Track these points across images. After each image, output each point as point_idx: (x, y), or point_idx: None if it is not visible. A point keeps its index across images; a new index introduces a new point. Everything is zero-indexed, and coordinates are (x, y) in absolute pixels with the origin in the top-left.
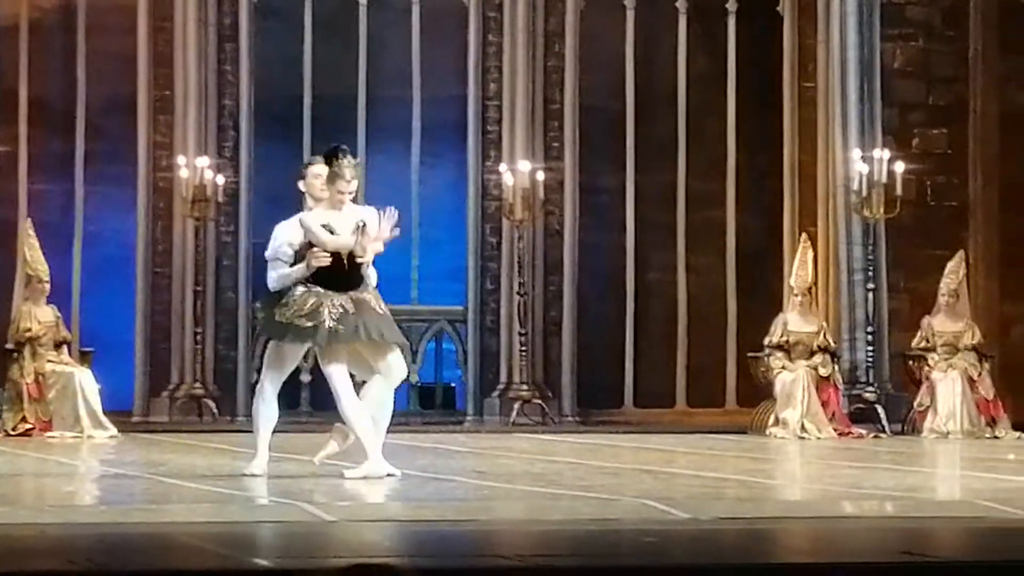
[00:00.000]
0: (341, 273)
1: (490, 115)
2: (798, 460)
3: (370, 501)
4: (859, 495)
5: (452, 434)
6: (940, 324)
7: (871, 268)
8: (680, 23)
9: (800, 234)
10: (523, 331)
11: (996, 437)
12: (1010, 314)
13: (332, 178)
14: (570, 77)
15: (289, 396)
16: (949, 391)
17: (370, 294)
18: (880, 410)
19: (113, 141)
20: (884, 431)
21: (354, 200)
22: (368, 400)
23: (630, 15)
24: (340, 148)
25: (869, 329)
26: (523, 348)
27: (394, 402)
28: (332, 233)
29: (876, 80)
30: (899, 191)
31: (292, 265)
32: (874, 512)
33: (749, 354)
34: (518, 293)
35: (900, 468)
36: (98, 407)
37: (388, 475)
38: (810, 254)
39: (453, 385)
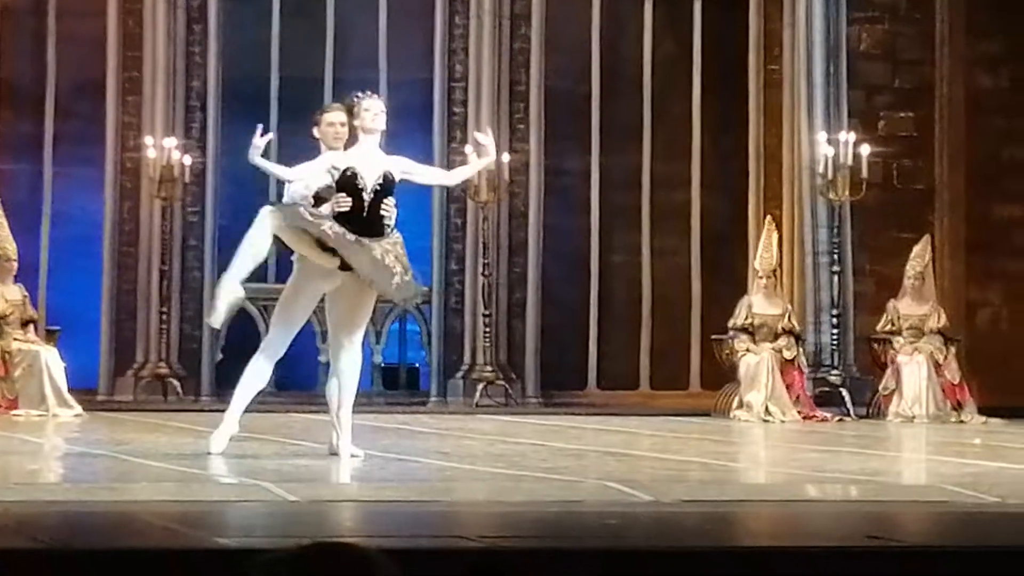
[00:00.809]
0: (359, 220)
1: (456, 97)
2: (762, 443)
3: (333, 481)
4: (823, 479)
5: (416, 415)
6: (906, 307)
7: (836, 251)
8: (646, 6)
9: (765, 216)
10: (487, 312)
11: (962, 421)
12: (976, 298)
13: (358, 115)
14: (536, 60)
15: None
16: (915, 375)
17: (380, 245)
18: (845, 393)
19: (82, 122)
20: (849, 414)
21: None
22: (345, 383)
23: None
24: (358, 91)
25: (834, 312)
26: (487, 329)
27: (358, 382)
28: (357, 179)
29: (842, 63)
30: (865, 174)
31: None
32: (838, 496)
33: (713, 336)
34: (482, 274)
35: (865, 452)
36: (63, 385)
37: (352, 456)
38: (775, 236)
39: (417, 366)
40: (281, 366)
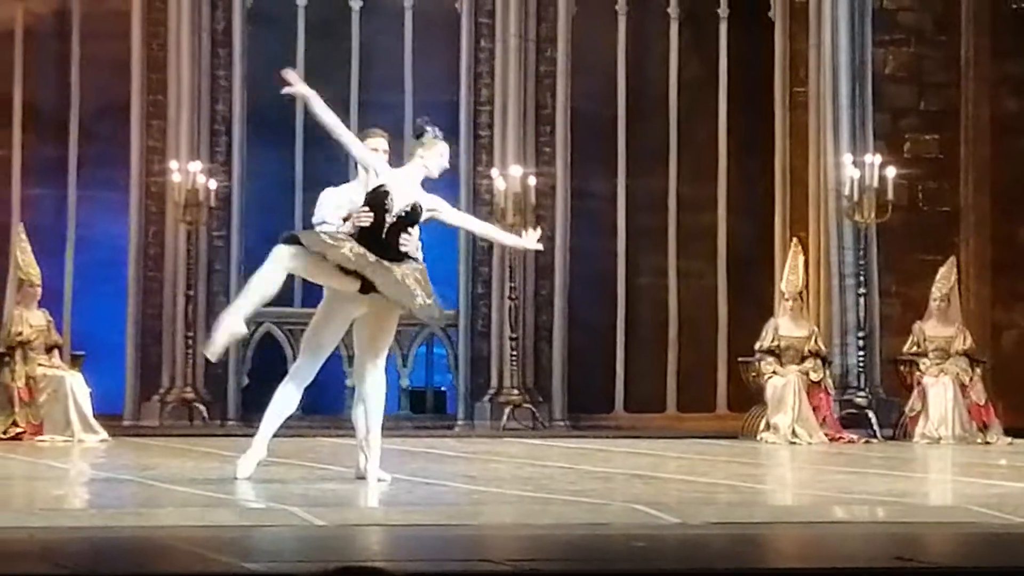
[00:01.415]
0: (376, 240)
1: (482, 120)
2: (789, 465)
3: (360, 505)
4: (850, 500)
5: (443, 438)
6: (931, 329)
7: (862, 273)
8: (672, 28)
9: (791, 239)
10: (514, 336)
11: (987, 442)
12: (1001, 319)
13: (428, 147)
14: (562, 82)
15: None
16: (940, 396)
17: (400, 268)
18: (871, 415)
19: (106, 146)
20: (875, 436)
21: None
22: (372, 407)
23: (622, 20)
24: (435, 125)
25: (860, 334)
26: (514, 353)
27: (385, 406)
28: (386, 199)
29: (867, 85)
30: (890, 196)
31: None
32: (865, 517)
33: (740, 359)
34: (509, 298)
35: (891, 473)
36: (89, 411)
37: (379, 480)
38: (801, 259)
39: (444, 389)
40: (308, 390)
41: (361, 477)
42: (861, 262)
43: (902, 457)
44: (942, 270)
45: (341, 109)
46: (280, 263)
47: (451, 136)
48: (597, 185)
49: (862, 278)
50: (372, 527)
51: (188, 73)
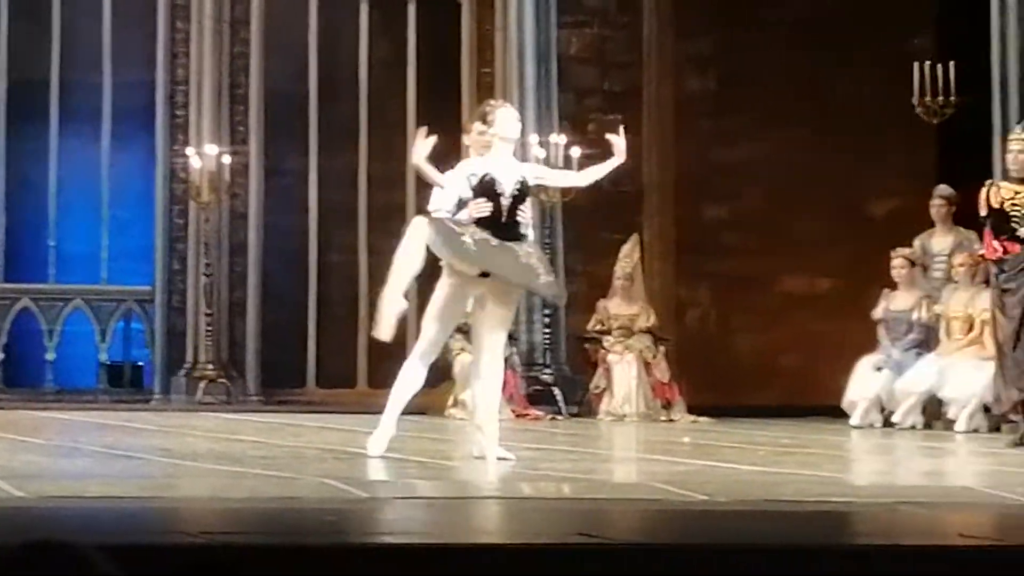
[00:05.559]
0: (498, 225)
1: (178, 100)
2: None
3: (56, 479)
4: (536, 476)
5: (139, 412)
6: (615, 307)
7: (548, 251)
8: (362, 9)
9: None
10: (209, 311)
11: (671, 420)
12: (685, 298)
13: (492, 123)
14: (256, 62)
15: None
16: (625, 374)
17: (522, 248)
18: (557, 392)
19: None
20: (561, 413)
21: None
22: (488, 388)
23: (313, 2)
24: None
25: (546, 311)
26: (209, 328)
27: (87, 379)
28: (495, 185)
29: (552, 66)
30: None
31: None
32: (551, 493)
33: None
34: (204, 274)
35: (577, 450)
36: None
37: (500, 459)
38: None
39: (141, 364)
40: (8, 365)
41: (480, 456)
42: (547, 240)
43: (587, 434)
44: (625, 248)
45: (42, 89)
46: (420, 234)
47: (148, 115)
48: (290, 163)
49: (548, 256)
50: (68, 499)
51: None
